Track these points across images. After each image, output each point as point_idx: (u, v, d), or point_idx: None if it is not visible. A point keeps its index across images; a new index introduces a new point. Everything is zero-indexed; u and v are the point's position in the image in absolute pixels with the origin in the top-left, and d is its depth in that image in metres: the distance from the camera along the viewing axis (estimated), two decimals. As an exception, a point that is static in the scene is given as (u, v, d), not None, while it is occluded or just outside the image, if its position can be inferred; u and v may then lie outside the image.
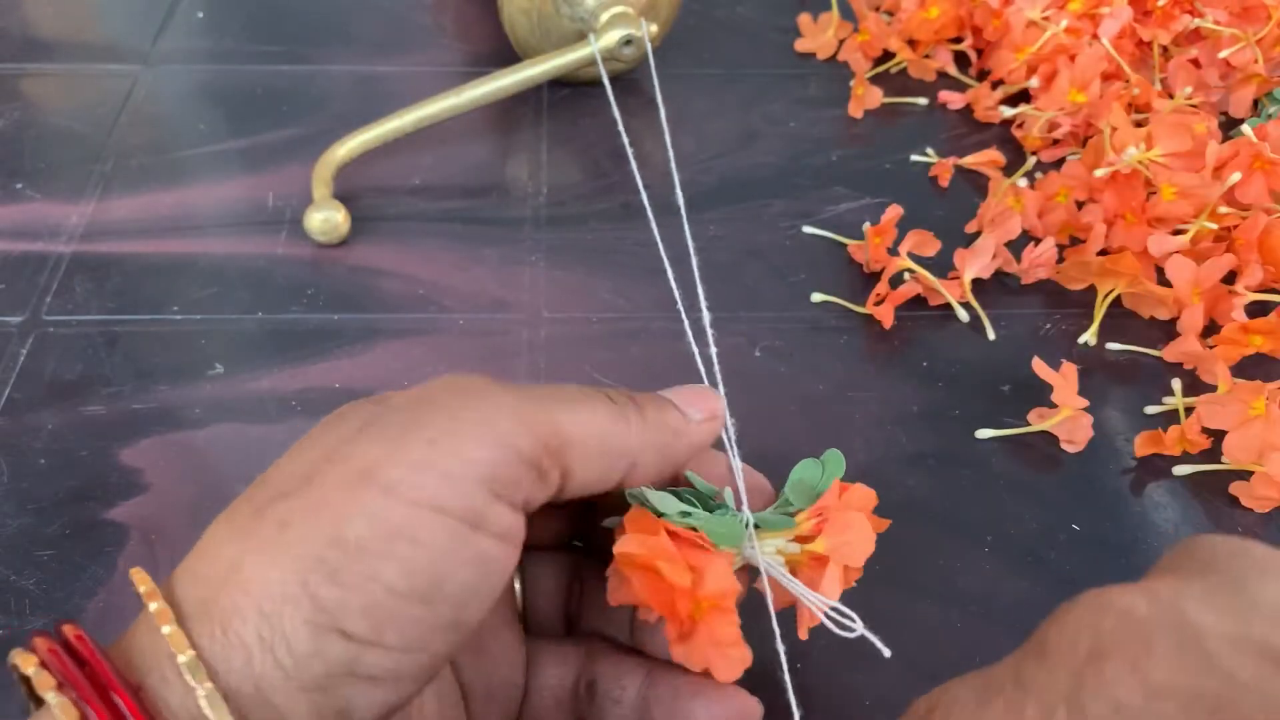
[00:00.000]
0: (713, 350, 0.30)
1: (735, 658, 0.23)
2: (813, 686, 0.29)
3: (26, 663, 0.19)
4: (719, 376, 0.31)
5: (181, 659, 0.18)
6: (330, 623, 0.19)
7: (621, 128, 0.42)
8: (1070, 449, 0.35)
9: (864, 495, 0.26)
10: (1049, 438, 0.36)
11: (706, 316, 0.32)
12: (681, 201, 0.40)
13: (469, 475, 0.20)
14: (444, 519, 0.19)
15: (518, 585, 0.27)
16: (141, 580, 0.20)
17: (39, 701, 0.18)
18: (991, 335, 0.39)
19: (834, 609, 0.24)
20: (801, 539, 0.25)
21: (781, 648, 0.25)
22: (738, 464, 0.26)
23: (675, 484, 0.25)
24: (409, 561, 0.19)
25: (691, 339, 0.32)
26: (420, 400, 0.21)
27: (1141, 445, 0.35)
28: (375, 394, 0.23)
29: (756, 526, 0.25)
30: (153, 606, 0.19)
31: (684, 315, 0.31)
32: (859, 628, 0.24)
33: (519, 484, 0.21)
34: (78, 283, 0.40)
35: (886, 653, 0.24)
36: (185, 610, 0.19)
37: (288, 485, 0.20)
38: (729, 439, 0.29)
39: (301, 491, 0.20)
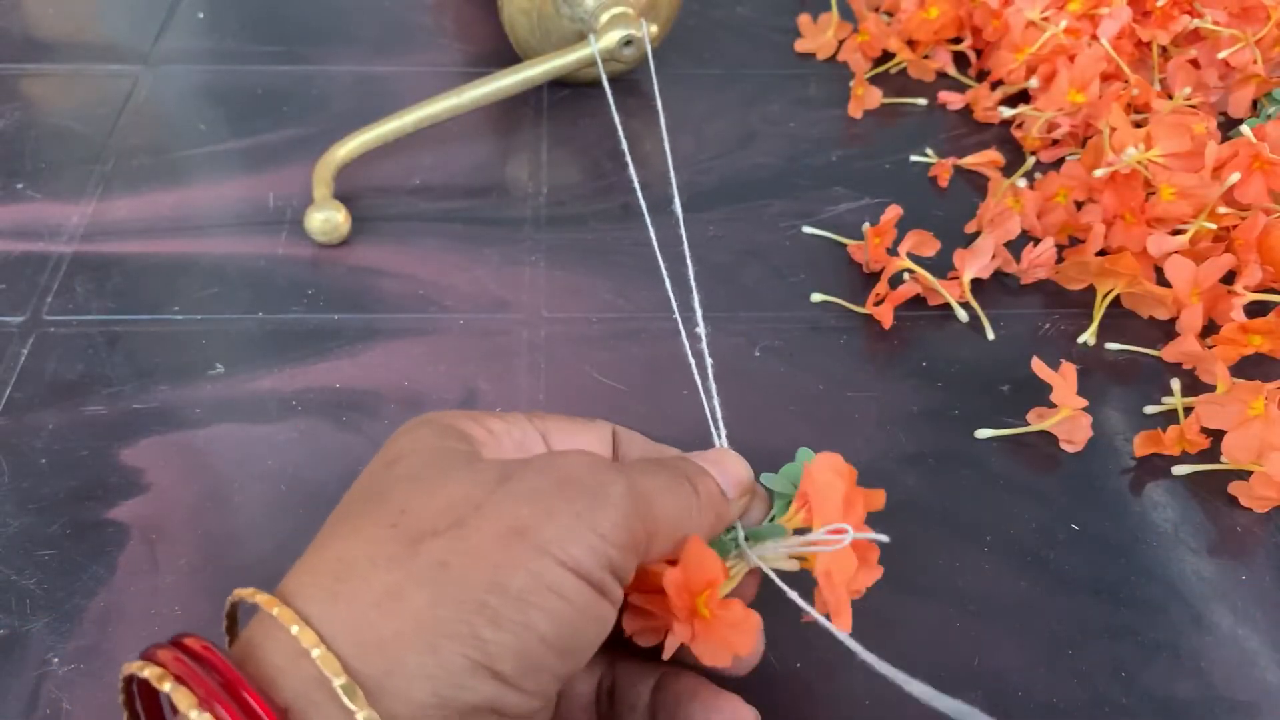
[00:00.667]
0: (704, 346, 0.31)
1: (746, 628, 0.25)
2: (813, 686, 0.29)
3: (158, 678, 0.19)
4: (711, 378, 0.31)
5: (337, 682, 0.19)
6: (487, 662, 0.20)
7: (619, 128, 0.42)
8: (1069, 449, 0.35)
9: (832, 462, 0.26)
10: (1049, 437, 0.36)
11: (700, 316, 0.32)
12: (678, 203, 0.40)
13: (604, 554, 0.22)
14: (584, 583, 0.21)
15: None
16: (270, 602, 0.20)
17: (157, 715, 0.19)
18: (991, 335, 0.39)
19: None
20: (798, 531, 0.26)
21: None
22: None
23: None
24: (559, 616, 0.21)
25: (685, 340, 0.32)
26: (560, 470, 0.23)
27: (1141, 445, 0.35)
28: (448, 408, 0.25)
29: (748, 538, 0.27)
30: (294, 629, 0.20)
31: (678, 316, 0.31)
32: (850, 531, 0.26)
33: (628, 567, 0.23)
34: (78, 283, 0.40)
35: (875, 661, 0.25)
36: (332, 631, 0.20)
37: (437, 523, 0.21)
38: (719, 438, 0.29)
39: (455, 534, 0.21)
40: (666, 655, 0.25)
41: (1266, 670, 0.30)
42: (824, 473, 0.26)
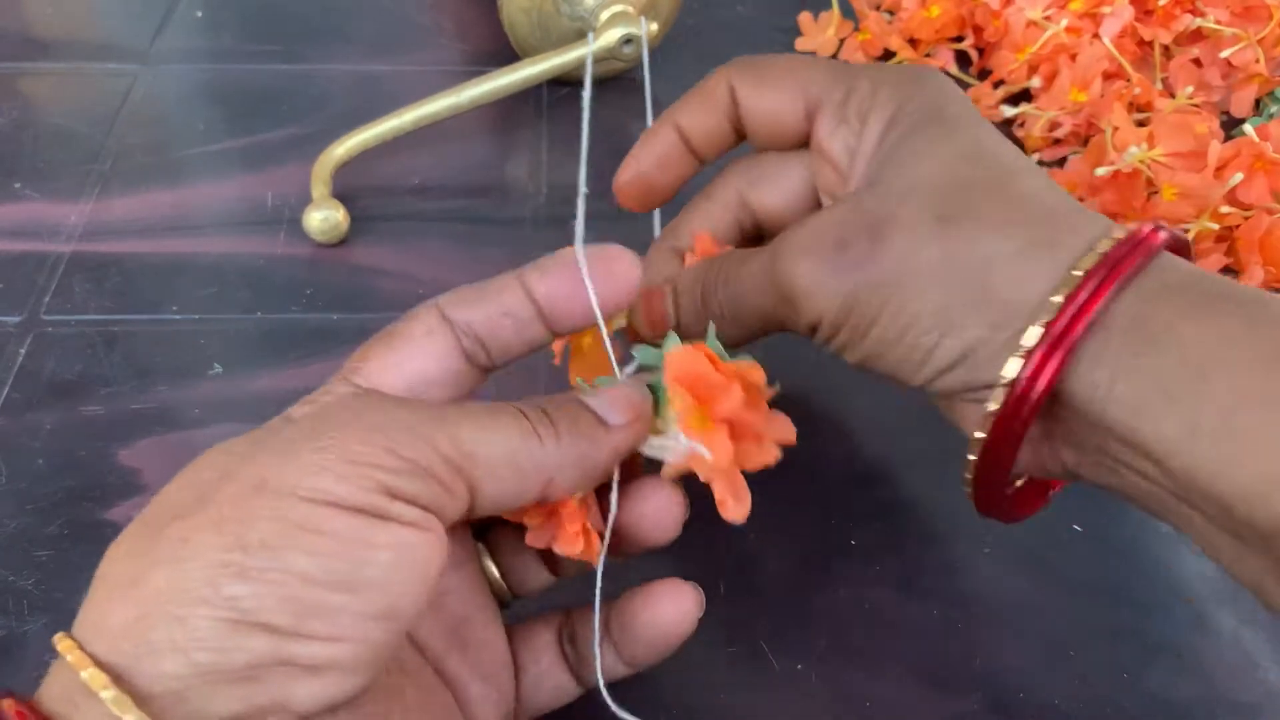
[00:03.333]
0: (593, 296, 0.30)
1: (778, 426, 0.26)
2: (813, 686, 0.29)
3: None
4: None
5: (84, 674, 0.18)
6: (247, 617, 0.19)
7: (585, 132, 0.42)
8: None
9: (685, 355, 0.25)
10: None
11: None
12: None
13: (360, 475, 0.20)
14: (344, 512, 0.20)
15: (493, 569, 0.27)
16: (58, 638, 0.20)
17: None
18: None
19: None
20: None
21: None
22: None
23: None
24: (318, 550, 0.19)
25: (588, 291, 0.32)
26: (314, 415, 0.22)
27: None
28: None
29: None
30: (59, 645, 0.19)
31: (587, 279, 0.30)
32: (691, 446, 0.24)
33: (417, 491, 0.21)
34: (76, 282, 0.40)
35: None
36: (87, 634, 0.20)
37: (183, 507, 0.20)
38: (602, 330, 0.28)
39: (198, 510, 0.20)
40: (670, 473, 0.25)
41: (1269, 672, 0.30)
42: (679, 366, 0.25)
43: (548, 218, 0.44)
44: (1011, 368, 0.23)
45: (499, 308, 0.24)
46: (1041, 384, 0.23)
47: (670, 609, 0.26)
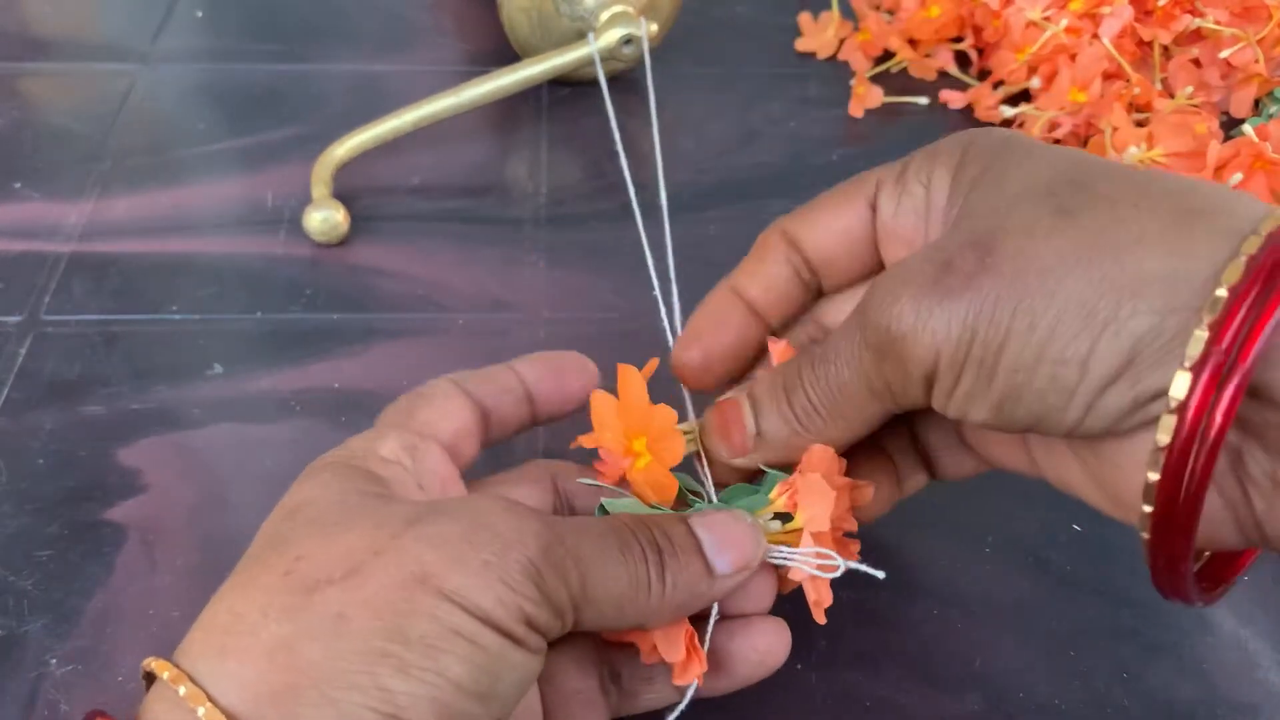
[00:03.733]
0: (689, 407, 0.30)
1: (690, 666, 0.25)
2: (813, 686, 0.29)
3: None
4: (690, 404, 0.31)
5: None
6: (396, 713, 0.19)
7: (615, 127, 0.42)
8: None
9: (822, 455, 0.25)
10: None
11: (678, 316, 0.32)
12: (664, 202, 0.40)
13: (516, 605, 0.21)
14: (494, 631, 0.20)
15: None
16: (162, 666, 0.19)
17: None
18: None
19: (816, 554, 0.25)
20: (779, 515, 0.26)
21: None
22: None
23: None
24: (472, 660, 0.20)
25: (670, 338, 0.32)
26: (472, 515, 0.22)
27: None
28: (377, 410, 0.26)
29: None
30: (182, 690, 0.19)
31: (664, 316, 0.30)
32: (842, 564, 0.25)
33: (547, 624, 0.21)
34: (76, 282, 0.40)
35: (880, 574, 0.25)
36: (221, 688, 0.19)
37: (332, 570, 0.20)
38: (694, 427, 0.28)
39: (351, 582, 0.20)
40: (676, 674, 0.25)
41: (1269, 672, 0.30)
42: (817, 470, 0.25)
43: (547, 218, 0.44)
44: (1180, 385, 0.18)
45: (498, 385, 0.27)
46: (1231, 388, 0.18)
47: (771, 642, 0.26)
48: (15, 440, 0.35)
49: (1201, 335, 0.18)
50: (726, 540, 0.24)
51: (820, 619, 0.25)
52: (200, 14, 0.55)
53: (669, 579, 0.23)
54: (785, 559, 0.25)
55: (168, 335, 0.38)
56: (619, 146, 0.42)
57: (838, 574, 0.25)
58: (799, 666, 0.29)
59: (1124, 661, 0.30)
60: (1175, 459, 0.19)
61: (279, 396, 0.36)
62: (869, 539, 0.33)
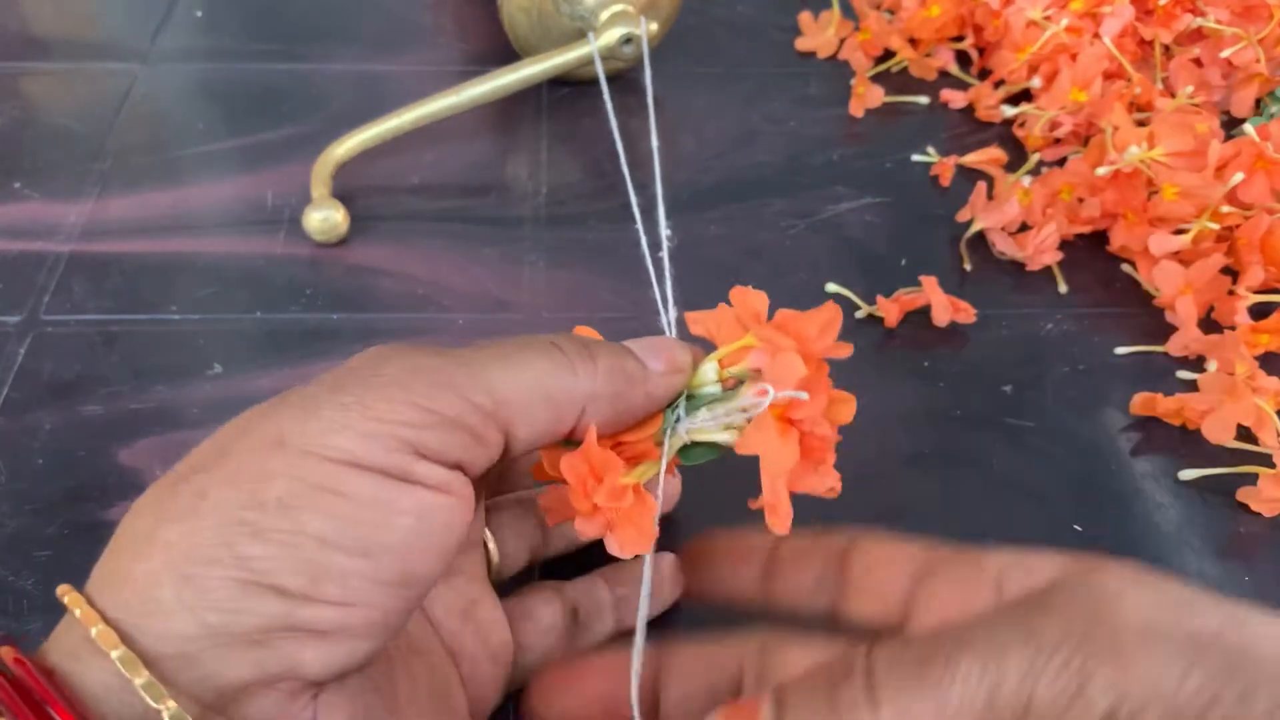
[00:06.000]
0: (669, 292, 0.31)
1: (644, 513, 0.22)
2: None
3: None
4: (674, 321, 0.31)
5: (93, 631, 0.18)
6: (259, 579, 0.19)
7: (614, 127, 0.42)
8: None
9: (823, 313, 0.23)
10: (1049, 436, 0.36)
11: (674, 314, 0.32)
12: (660, 201, 0.40)
13: (385, 433, 0.19)
14: (366, 473, 0.19)
15: (492, 546, 0.27)
16: (63, 590, 0.20)
17: None
18: (993, 335, 0.39)
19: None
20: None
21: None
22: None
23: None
24: (336, 513, 0.19)
25: (655, 286, 0.32)
26: (338, 371, 0.21)
27: (1137, 405, 0.36)
28: None
29: (690, 399, 0.24)
30: (66, 599, 0.19)
31: (663, 314, 0.30)
32: (776, 391, 0.22)
33: (446, 445, 0.20)
34: (76, 282, 0.40)
35: (803, 396, 0.22)
36: (97, 588, 0.19)
37: (204, 461, 0.20)
38: (668, 322, 0.28)
39: (217, 464, 0.20)
40: (584, 537, 0.23)
41: (1270, 672, 0.30)
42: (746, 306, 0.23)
43: (547, 218, 0.44)
44: None
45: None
46: None
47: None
48: (15, 440, 0.34)
49: None
50: (653, 346, 0.24)
51: (780, 526, 0.22)
52: (200, 14, 0.55)
53: (599, 361, 0.22)
54: (733, 411, 0.23)
55: (167, 335, 0.38)
56: (619, 146, 0.42)
57: (770, 398, 0.22)
58: (799, 667, 0.29)
59: (1125, 662, 0.30)
60: None
61: (279, 396, 0.36)
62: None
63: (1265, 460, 0.34)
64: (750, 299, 0.24)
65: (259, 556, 0.18)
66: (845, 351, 0.24)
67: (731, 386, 0.24)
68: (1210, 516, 0.34)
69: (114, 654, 0.18)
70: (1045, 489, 0.34)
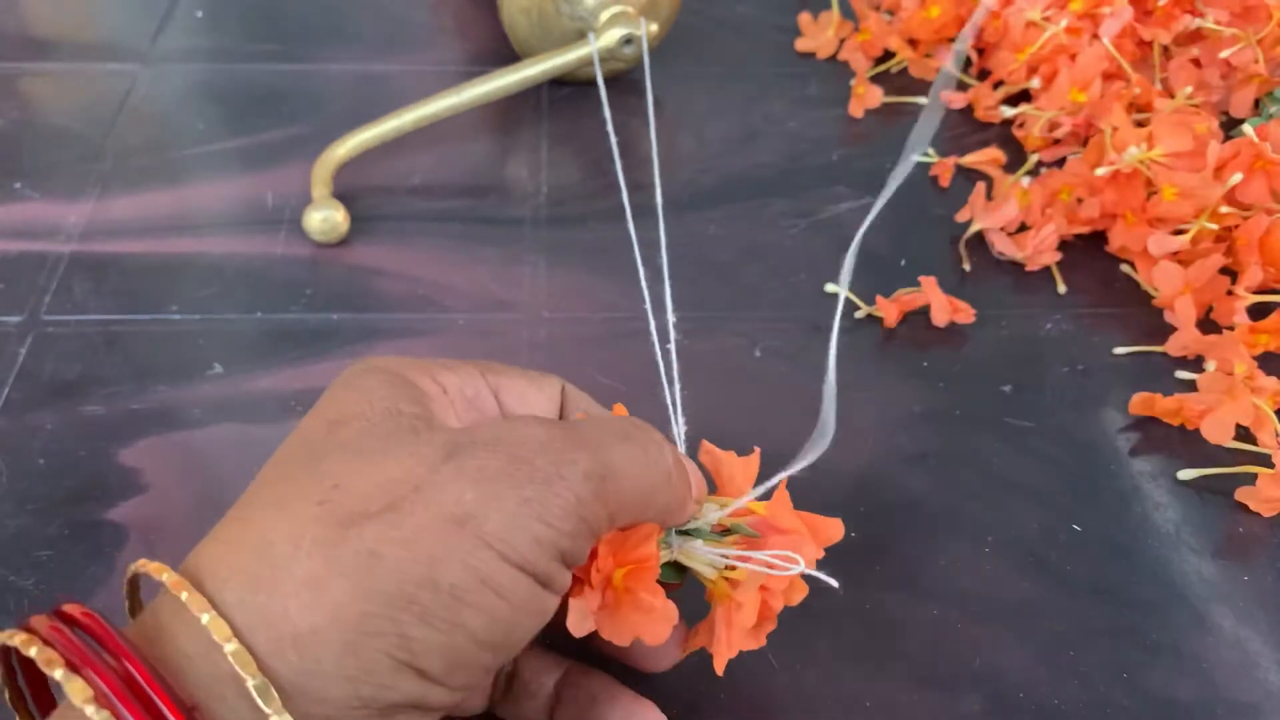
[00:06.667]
0: (672, 347, 0.31)
1: (662, 615, 0.23)
2: (813, 687, 0.29)
3: (46, 661, 0.17)
4: (676, 375, 0.31)
5: (251, 683, 0.18)
6: (412, 661, 0.19)
7: (611, 129, 0.42)
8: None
9: (829, 526, 0.26)
10: (1049, 436, 0.36)
11: (671, 318, 0.32)
12: (659, 202, 0.40)
13: (552, 543, 0.20)
14: (526, 578, 0.20)
15: None
16: (179, 585, 0.19)
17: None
18: (992, 335, 0.39)
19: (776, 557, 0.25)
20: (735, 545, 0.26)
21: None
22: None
23: None
24: (494, 614, 0.20)
25: (655, 344, 0.32)
26: (511, 447, 0.21)
27: (1136, 405, 0.36)
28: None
29: (684, 533, 0.26)
30: (205, 618, 0.18)
31: (674, 425, 0.30)
32: (798, 566, 0.24)
33: (581, 553, 0.21)
34: (76, 282, 0.40)
35: (834, 584, 0.24)
36: (240, 621, 0.19)
37: (370, 505, 0.20)
38: (679, 435, 0.29)
39: (388, 518, 0.20)
40: (572, 626, 0.24)
41: (1269, 672, 0.30)
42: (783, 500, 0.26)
43: (547, 218, 0.44)
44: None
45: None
46: None
47: None
48: (15, 440, 0.35)
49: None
50: (691, 467, 0.25)
51: (720, 669, 0.25)
52: (200, 14, 0.55)
53: (678, 472, 0.23)
54: (740, 556, 0.25)
55: (168, 335, 0.38)
56: (614, 147, 0.42)
57: (794, 569, 0.24)
58: (799, 666, 0.29)
59: (1124, 661, 0.30)
60: None
61: (279, 396, 0.36)
62: (868, 537, 0.33)
63: (1264, 460, 0.34)
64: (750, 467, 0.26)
65: (419, 640, 0.19)
66: (821, 555, 0.26)
67: (720, 531, 0.26)
68: (1209, 516, 0.34)
69: (273, 719, 0.18)
70: (1044, 489, 0.34)
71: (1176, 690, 0.29)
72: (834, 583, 0.25)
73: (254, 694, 0.18)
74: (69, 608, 0.19)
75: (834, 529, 0.26)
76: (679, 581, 0.26)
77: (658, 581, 0.25)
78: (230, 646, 0.18)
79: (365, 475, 0.20)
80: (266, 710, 0.18)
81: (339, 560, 0.19)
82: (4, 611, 0.30)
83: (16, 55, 0.52)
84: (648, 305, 0.32)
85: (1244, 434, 0.35)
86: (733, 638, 0.25)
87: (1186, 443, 0.36)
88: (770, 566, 0.24)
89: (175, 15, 0.55)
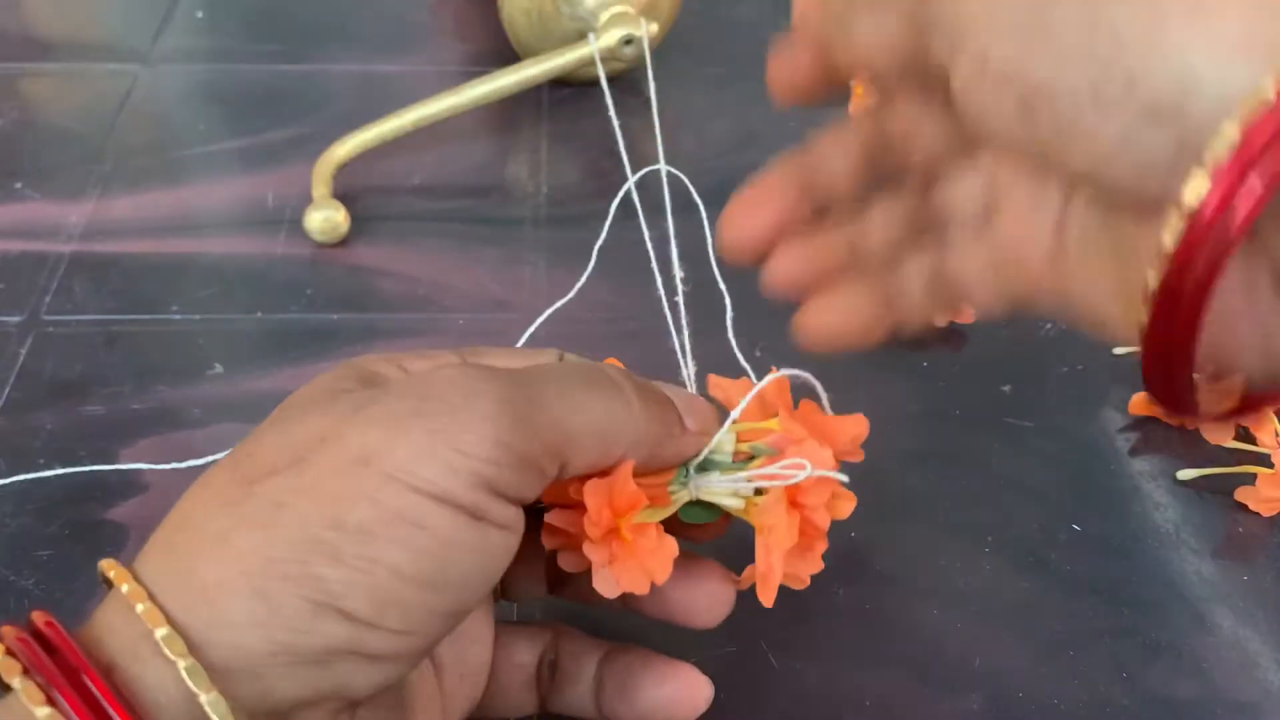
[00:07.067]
0: (687, 344, 0.30)
1: (662, 554, 0.23)
2: (813, 686, 0.29)
3: (6, 669, 0.18)
4: (693, 375, 0.31)
5: (159, 633, 0.18)
6: (331, 601, 0.19)
7: (617, 126, 0.42)
8: None
9: (851, 424, 0.25)
10: (1048, 436, 0.36)
11: (694, 369, 0.32)
12: (667, 198, 0.40)
13: (471, 471, 0.20)
14: (447, 508, 0.19)
15: None
16: (110, 566, 0.20)
17: (4, 688, 0.18)
18: (992, 335, 0.39)
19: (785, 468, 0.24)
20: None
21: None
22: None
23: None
24: (413, 546, 0.19)
25: (674, 336, 0.32)
26: (421, 389, 0.21)
27: (1136, 404, 0.36)
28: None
29: (704, 469, 0.25)
30: (124, 588, 0.19)
31: (684, 368, 0.30)
32: (804, 472, 0.23)
33: (517, 485, 0.20)
34: (77, 282, 0.40)
35: (843, 478, 0.24)
36: (161, 584, 0.19)
37: (278, 461, 0.20)
38: (689, 377, 0.28)
39: (295, 470, 0.20)
40: (600, 589, 0.23)
41: (1268, 671, 0.30)
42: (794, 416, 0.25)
43: (548, 218, 0.44)
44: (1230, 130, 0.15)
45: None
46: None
47: (684, 695, 0.25)
48: (15, 440, 0.35)
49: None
50: (688, 404, 0.24)
51: (768, 600, 0.24)
52: (200, 14, 0.55)
53: (650, 411, 0.23)
54: (752, 478, 0.24)
55: (168, 335, 0.38)
56: (620, 146, 0.42)
57: (799, 476, 0.23)
58: (799, 666, 0.29)
59: (1123, 661, 0.30)
60: (1200, 219, 0.16)
61: (279, 396, 0.36)
62: (868, 537, 0.33)
63: (1264, 460, 0.34)
64: (781, 389, 0.26)
65: (334, 579, 0.19)
66: (860, 456, 0.26)
67: (742, 459, 0.25)
68: (1208, 516, 0.34)
69: (182, 664, 0.18)
70: (1044, 488, 0.34)
71: (1176, 690, 0.29)
72: (843, 478, 0.24)
73: (162, 645, 0.18)
74: (35, 616, 0.19)
75: (856, 425, 0.25)
76: (714, 519, 0.25)
77: (687, 523, 0.24)
78: (140, 606, 0.18)
79: (276, 438, 0.21)
80: (172, 657, 0.18)
81: (244, 514, 0.19)
82: (4, 611, 0.30)
83: (17, 55, 0.52)
84: (679, 356, 0.31)
85: (1244, 434, 0.35)
86: (772, 562, 0.23)
87: (1186, 443, 0.36)
88: (779, 478, 0.23)
89: (176, 15, 0.55)
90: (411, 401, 0.20)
